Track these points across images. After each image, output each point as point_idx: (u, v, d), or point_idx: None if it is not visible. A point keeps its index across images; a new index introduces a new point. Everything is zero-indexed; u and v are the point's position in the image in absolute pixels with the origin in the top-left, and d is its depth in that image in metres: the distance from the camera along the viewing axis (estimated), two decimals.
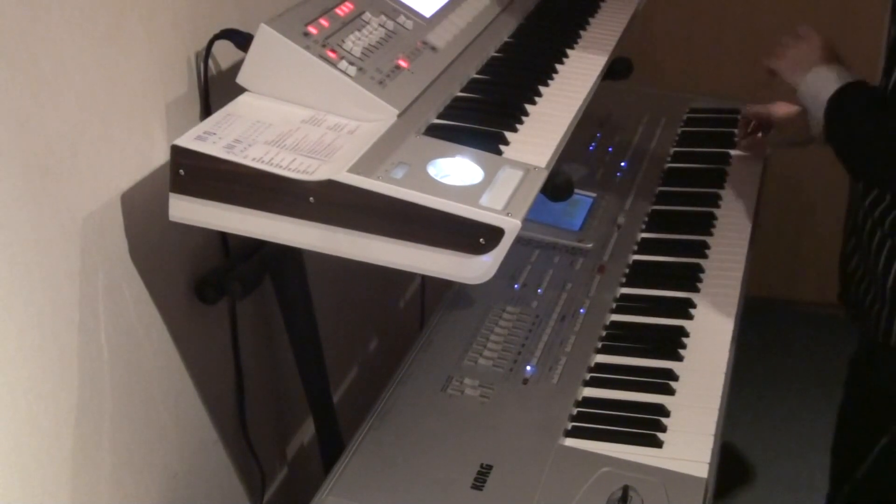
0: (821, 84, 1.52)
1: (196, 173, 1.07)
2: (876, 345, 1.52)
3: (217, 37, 1.31)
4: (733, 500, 2.34)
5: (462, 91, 1.33)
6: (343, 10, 1.26)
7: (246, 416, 1.55)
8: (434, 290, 2.05)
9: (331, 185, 1.04)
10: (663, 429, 1.30)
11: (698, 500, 1.19)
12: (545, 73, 1.41)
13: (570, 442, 1.29)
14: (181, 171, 1.08)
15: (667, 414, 1.33)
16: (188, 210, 1.10)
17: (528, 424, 1.31)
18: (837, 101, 1.48)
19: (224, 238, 1.44)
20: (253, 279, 1.40)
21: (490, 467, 1.23)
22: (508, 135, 1.22)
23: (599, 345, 1.48)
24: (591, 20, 1.65)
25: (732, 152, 1.98)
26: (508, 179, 1.10)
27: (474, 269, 1.04)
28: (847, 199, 1.65)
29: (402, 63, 1.25)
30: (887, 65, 1.47)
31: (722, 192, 1.86)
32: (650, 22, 2.72)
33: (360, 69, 1.18)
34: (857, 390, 1.75)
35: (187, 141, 1.07)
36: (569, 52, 1.50)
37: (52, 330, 1.12)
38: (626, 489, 1.18)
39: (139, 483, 1.32)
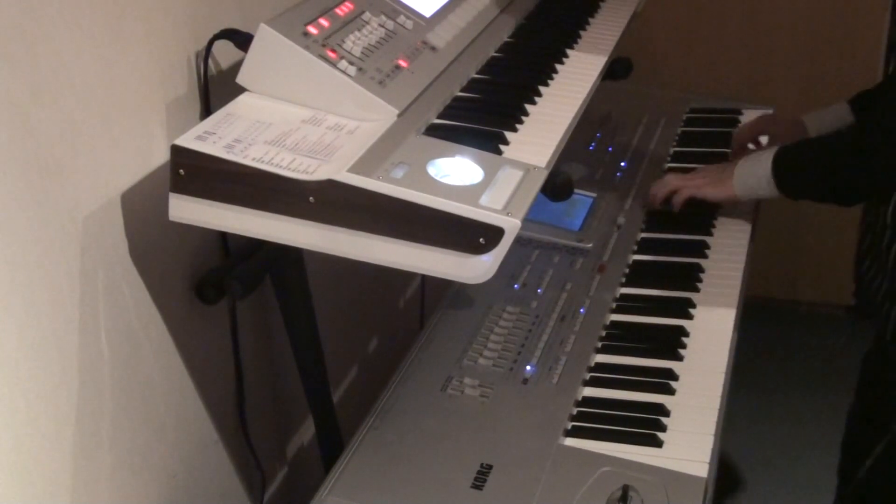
0: (751, 168, 1.62)
1: (196, 173, 1.07)
2: (886, 342, 1.53)
3: (217, 37, 1.31)
4: (733, 500, 2.34)
5: (462, 91, 1.33)
6: (343, 10, 1.26)
7: (246, 416, 1.55)
8: (434, 290, 2.05)
9: (331, 185, 1.04)
10: (663, 428, 1.30)
11: (698, 499, 1.19)
12: (545, 73, 1.41)
13: (570, 442, 1.29)
14: (181, 171, 1.08)
15: (667, 414, 1.33)
16: (188, 210, 1.10)
17: (528, 424, 1.31)
18: (784, 161, 1.57)
19: (224, 238, 1.44)
20: (253, 279, 1.40)
21: (490, 467, 1.23)
22: (508, 135, 1.22)
23: (599, 345, 1.48)
24: (591, 20, 1.65)
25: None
26: (508, 179, 1.10)
27: (474, 268, 1.04)
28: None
29: (402, 63, 1.25)
30: (887, 64, 1.47)
31: None
32: (650, 22, 2.71)
33: (360, 69, 1.18)
34: (867, 388, 1.75)
35: (187, 141, 1.08)
36: (569, 52, 1.51)
37: (52, 330, 1.12)
38: (626, 489, 1.18)
39: (139, 483, 1.32)
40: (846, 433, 1.83)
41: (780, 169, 1.56)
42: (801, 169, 1.57)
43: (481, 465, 1.23)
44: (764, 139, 1.92)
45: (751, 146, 1.94)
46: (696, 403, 1.36)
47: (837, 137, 1.56)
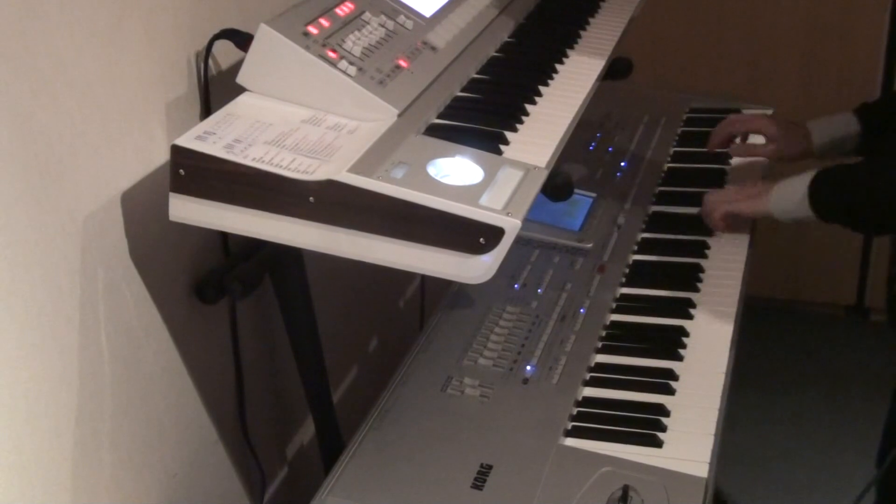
0: (790, 188, 1.58)
1: (196, 173, 1.07)
2: None
3: (217, 37, 1.31)
4: (733, 500, 2.34)
5: (462, 91, 1.33)
6: (343, 10, 1.26)
7: (246, 416, 1.55)
8: (434, 290, 2.05)
9: (331, 185, 1.04)
10: (663, 428, 1.30)
11: (698, 500, 1.19)
12: (545, 73, 1.41)
13: (571, 442, 1.29)
14: (181, 171, 1.08)
15: (667, 414, 1.33)
16: (188, 210, 1.10)
17: (528, 424, 1.31)
18: (821, 184, 1.52)
19: (224, 238, 1.44)
20: (253, 279, 1.40)
21: (490, 467, 1.23)
22: (508, 135, 1.22)
23: (599, 345, 1.48)
24: (591, 20, 1.65)
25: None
26: (508, 179, 1.10)
27: (474, 269, 1.04)
28: None
29: (402, 63, 1.25)
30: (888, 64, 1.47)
31: None
32: (650, 22, 2.72)
33: (360, 69, 1.18)
34: None
35: (187, 141, 1.07)
36: (569, 52, 1.50)
37: (52, 330, 1.12)
38: (626, 489, 1.18)
39: (139, 483, 1.32)
40: (889, 415, 1.80)
41: (817, 192, 1.53)
42: (838, 195, 1.52)
43: (481, 465, 1.23)
44: (759, 139, 1.90)
45: (737, 140, 1.93)
46: (696, 403, 1.36)
47: (879, 167, 1.53)
